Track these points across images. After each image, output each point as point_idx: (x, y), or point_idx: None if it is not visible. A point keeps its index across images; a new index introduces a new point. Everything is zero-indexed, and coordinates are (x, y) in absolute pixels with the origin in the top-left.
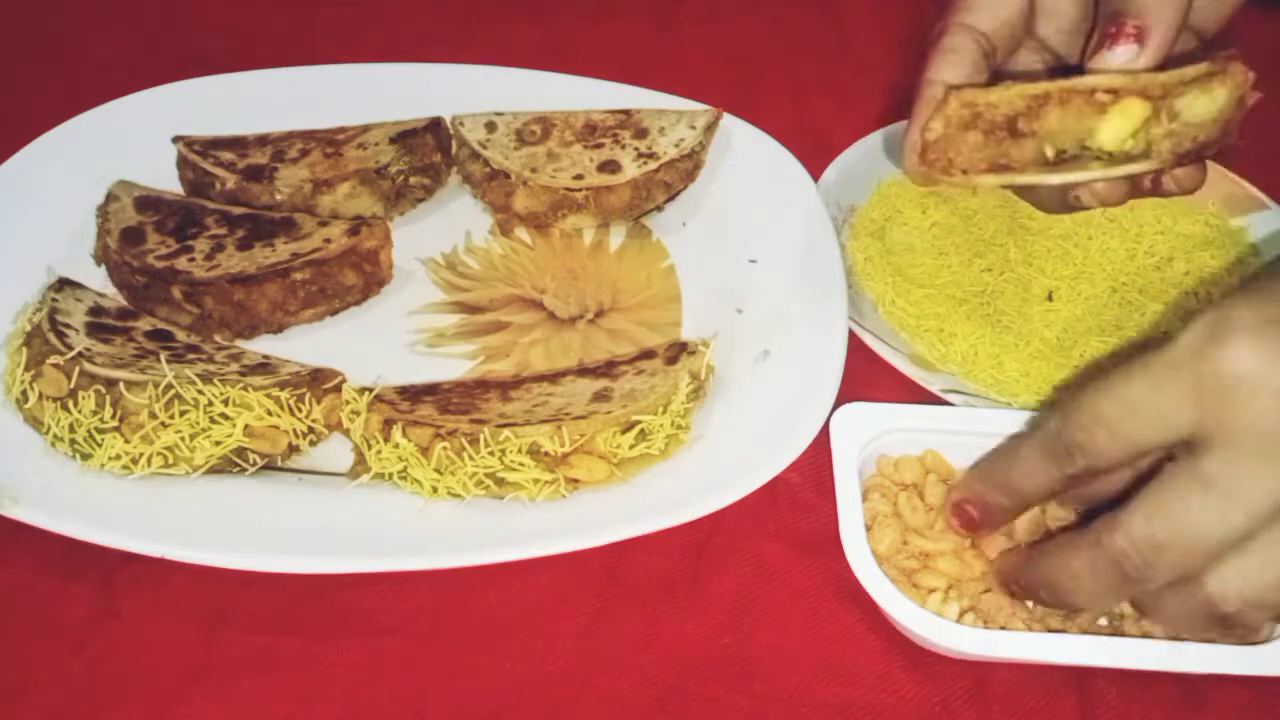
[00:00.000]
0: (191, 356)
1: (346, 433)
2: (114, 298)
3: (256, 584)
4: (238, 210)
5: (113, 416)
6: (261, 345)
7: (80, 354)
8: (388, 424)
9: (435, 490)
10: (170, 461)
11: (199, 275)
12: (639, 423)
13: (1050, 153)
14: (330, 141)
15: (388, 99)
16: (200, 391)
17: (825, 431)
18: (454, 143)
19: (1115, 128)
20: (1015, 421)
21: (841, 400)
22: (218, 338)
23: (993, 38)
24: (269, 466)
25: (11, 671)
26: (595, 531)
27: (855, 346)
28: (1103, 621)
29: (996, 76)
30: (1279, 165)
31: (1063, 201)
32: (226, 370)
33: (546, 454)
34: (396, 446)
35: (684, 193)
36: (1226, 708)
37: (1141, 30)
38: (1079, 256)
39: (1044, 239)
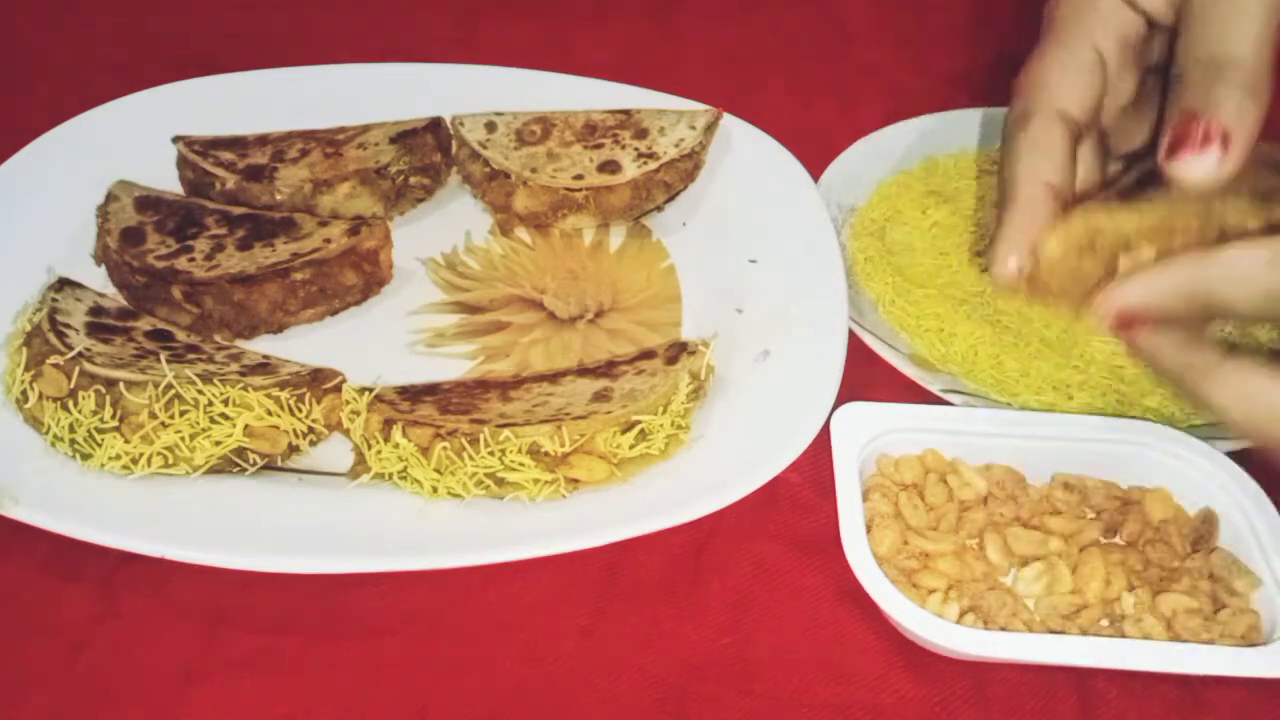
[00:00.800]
0: (191, 356)
1: (346, 433)
2: (114, 298)
3: (256, 584)
4: (238, 210)
5: (113, 416)
6: (261, 345)
7: (80, 354)
8: (388, 424)
9: (435, 490)
10: (170, 461)
11: (199, 275)
12: (639, 423)
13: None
14: (330, 141)
15: (388, 99)
16: (200, 391)
17: (825, 431)
18: (454, 143)
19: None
20: (1015, 421)
21: (841, 400)
22: (218, 338)
23: (1081, 122)
24: (269, 466)
25: (11, 671)
26: (595, 531)
27: (855, 346)
28: (1104, 622)
29: None
30: None
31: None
32: (226, 370)
33: (546, 454)
34: (396, 446)
35: (684, 193)
36: (1226, 708)
37: (1224, 135)
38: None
39: None
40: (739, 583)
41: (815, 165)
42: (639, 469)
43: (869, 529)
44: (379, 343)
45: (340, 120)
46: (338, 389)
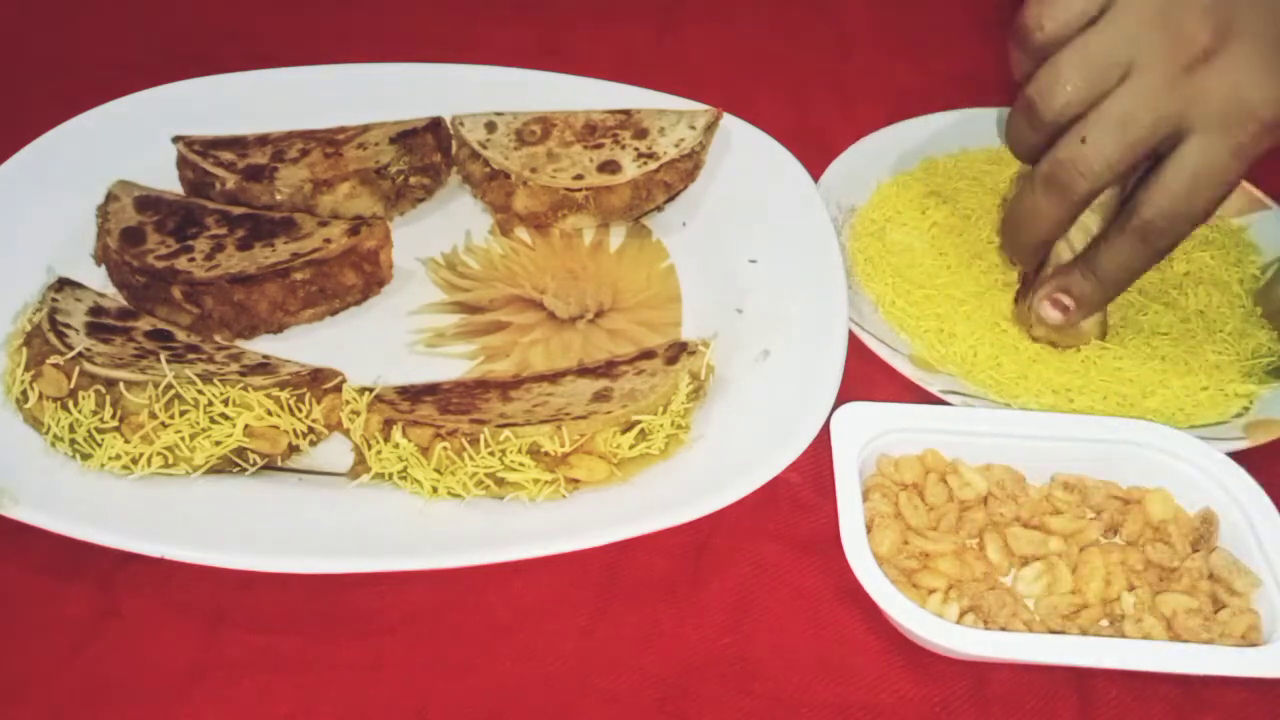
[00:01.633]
0: (191, 356)
1: (346, 433)
2: (114, 298)
3: (256, 584)
4: (238, 210)
5: (113, 416)
6: (261, 345)
7: (80, 354)
8: (388, 424)
9: (435, 490)
10: (170, 461)
11: (199, 275)
12: (639, 423)
13: None
14: (330, 141)
15: (388, 99)
16: (200, 391)
17: (825, 431)
18: (454, 143)
19: None
20: (1015, 421)
21: (841, 400)
22: (218, 338)
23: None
24: (269, 466)
25: (11, 671)
26: (595, 531)
27: (855, 346)
28: (1104, 622)
29: None
30: (1279, 165)
31: None
32: (226, 370)
33: (546, 454)
34: (396, 446)
35: (684, 193)
36: (1226, 708)
37: (1067, 307)
38: None
39: None
40: (739, 583)
41: (815, 165)
42: (639, 469)
43: (869, 529)
44: (379, 343)
45: (340, 120)
46: (338, 389)
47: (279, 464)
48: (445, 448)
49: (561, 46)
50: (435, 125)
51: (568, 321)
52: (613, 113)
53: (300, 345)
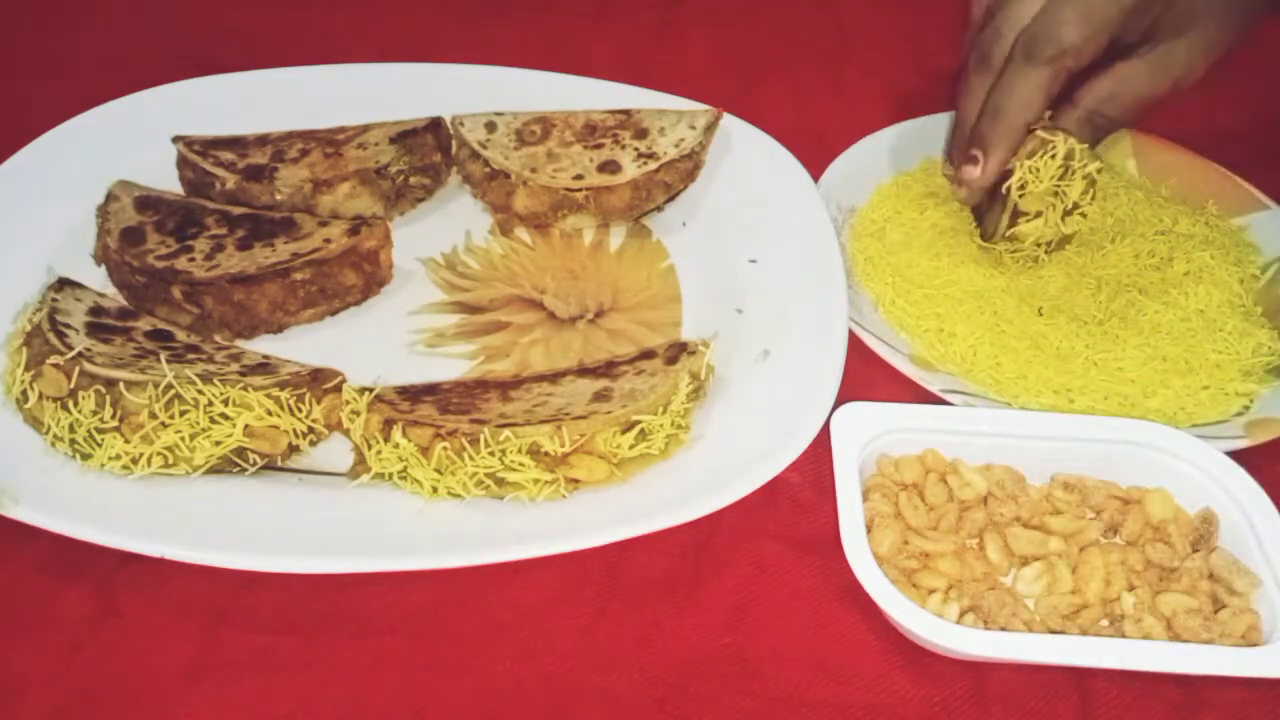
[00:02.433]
0: (191, 356)
1: (346, 433)
2: (114, 298)
3: (256, 584)
4: (238, 210)
5: (113, 416)
6: (261, 345)
7: (80, 354)
8: (388, 424)
9: (435, 490)
10: (170, 461)
11: (199, 275)
12: (639, 423)
13: None
14: (330, 141)
15: (388, 99)
16: (200, 391)
17: (825, 431)
18: (454, 143)
19: None
20: (1015, 421)
21: (841, 400)
22: (218, 338)
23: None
24: (269, 466)
25: (11, 671)
26: (595, 531)
27: (855, 346)
28: (1104, 622)
29: None
30: (1279, 165)
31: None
32: (226, 370)
33: (546, 454)
34: (396, 446)
35: (684, 193)
36: (1226, 708)
37: (976, 157)
38: (1080, 258)
39: None
40: (739, 583)
41: (815, 165)
42: (639, 469)
43: (869, 529)
44: (379, 343)
45: (340, 120)
46: (338, 389)
47: (279, 464)
48: (445, 448)
49: (561, 46)
50: (435, 125)
51: (568, 321)
52: (613, 113)
53: (300, 345)
